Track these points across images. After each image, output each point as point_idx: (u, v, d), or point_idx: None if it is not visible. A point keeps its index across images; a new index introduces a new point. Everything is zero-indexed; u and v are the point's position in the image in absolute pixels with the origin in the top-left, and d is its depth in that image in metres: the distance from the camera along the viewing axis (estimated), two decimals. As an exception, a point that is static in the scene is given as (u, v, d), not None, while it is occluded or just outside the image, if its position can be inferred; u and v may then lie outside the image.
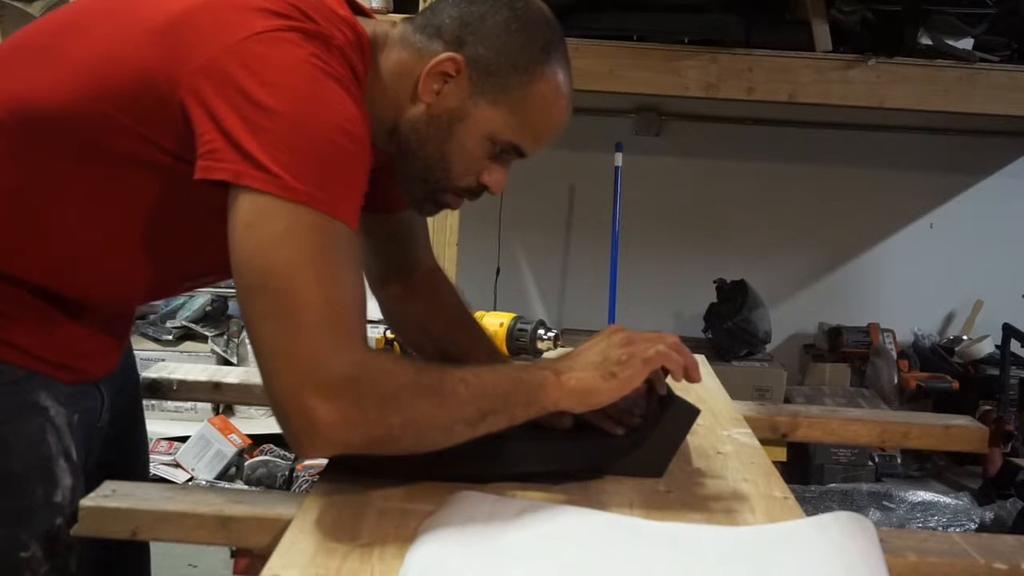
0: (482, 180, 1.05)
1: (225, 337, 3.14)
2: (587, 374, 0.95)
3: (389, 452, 0.89)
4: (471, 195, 1.07)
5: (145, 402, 1.34)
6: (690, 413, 1.04)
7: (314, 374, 0.82)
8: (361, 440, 0.85)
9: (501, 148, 1.03)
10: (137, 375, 1.28)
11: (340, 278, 0.85)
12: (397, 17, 2.28)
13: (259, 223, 0.83)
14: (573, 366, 0.96)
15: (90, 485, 0.99)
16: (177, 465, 2.75)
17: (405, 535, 0.84)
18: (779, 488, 1.02)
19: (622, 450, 1.03)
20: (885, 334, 3.38)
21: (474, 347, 1.26)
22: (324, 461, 1.03)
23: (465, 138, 1.01)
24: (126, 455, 1.22)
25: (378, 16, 1.09)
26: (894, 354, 3.29)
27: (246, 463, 2.71)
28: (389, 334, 1.58)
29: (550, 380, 0.94)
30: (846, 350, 3.37)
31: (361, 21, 1.00)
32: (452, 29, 1.00)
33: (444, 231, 2.64)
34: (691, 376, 1.00)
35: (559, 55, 1.02)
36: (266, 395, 0.85)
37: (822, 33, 2.70)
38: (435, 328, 1.28)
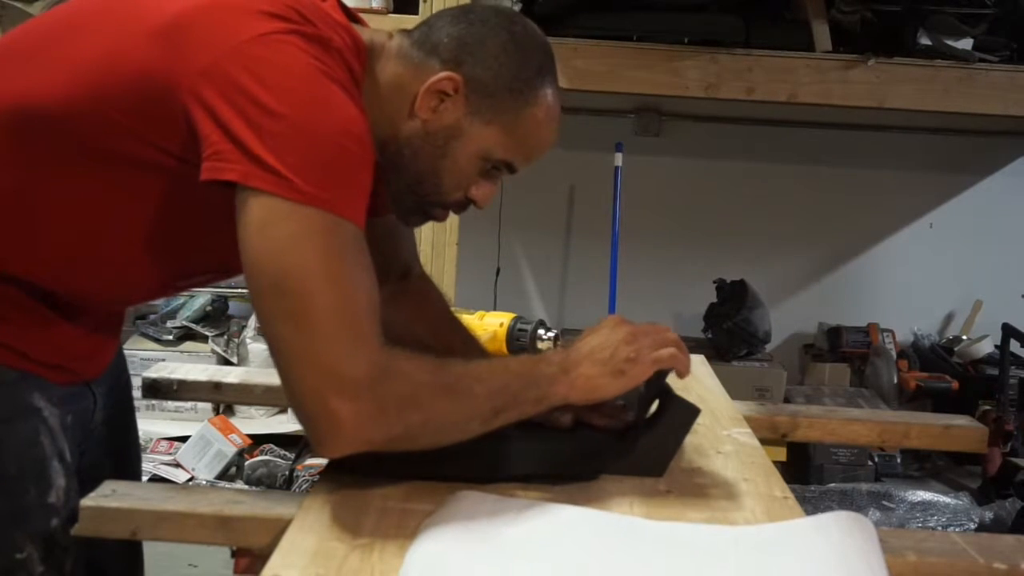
0: (470, 195, 1.07)
1: (225, 337, 3.14)
2: (595, 371, 0.97)
3: (407, 449, 0.90)
4: (458, 209, 1.09)
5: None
6: (691, 413, 1.04)
7: (334, 375, 0.83)
8: (382, 438, 0.87)
9: (492, 165, 1.05)
10: (128, 375, 1.28)
11: (353, 279, 0.87)
12: (395, 19, 2.28)
13: (271, 226, 0.84)
14: (581, 361, 0.97)
15: (83, 485, 0.99)
16: (177, 465, 2.75)
17: (405, 535, 0.84)
18: (779, 488, 1.02)
19: (623, 450, 1.03)
20: (885, 334, 3.38)
21: (464, 350, 1.26)
22: (324, 461, 1.03)
23: (459, 155, 1.02)
24: (118, 455, 1.22)
25: (377, 16, 1.09)
26: (894, 354, 3.28)
27: (246, 463, 2.71)
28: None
29: (559, 377, 0.96)
30: (846, 350, 3.37)
31: (356, 28, 1.01)
32: (450, 48, 1.01)
33: (444, 231, 2.64)
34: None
35: (551, 78, 1.05)
36: (286, 395, 0.86)
37: (822, 33, 2.70)
38: (422, 332, 1.28)
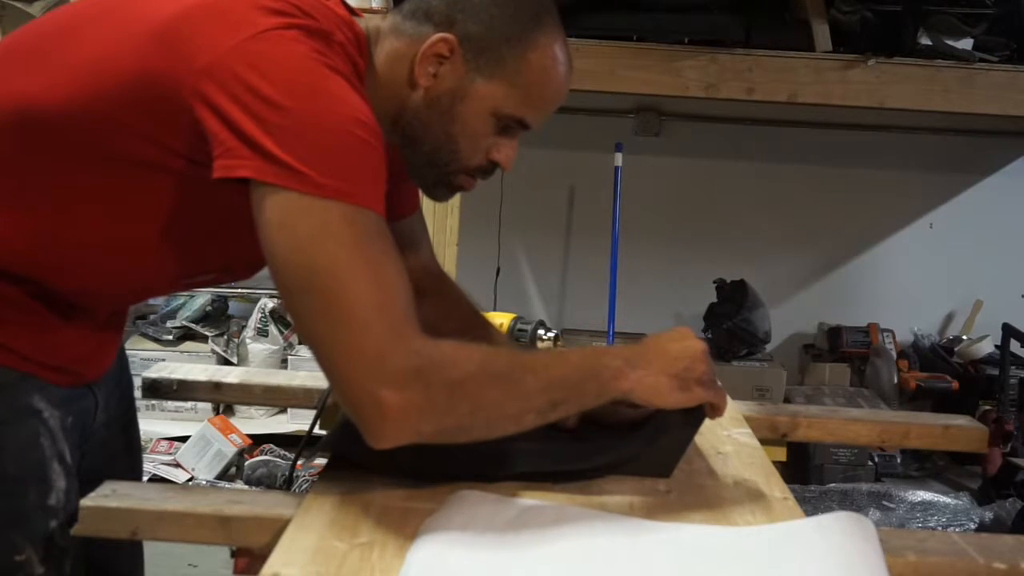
0: (492, 157, 1.04)
1: (225, 337, 3.14)
2: (665, 379, 0.94)
3: (460, 440, 0.88)
4: (483, 174, 1.07)
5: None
6: (698, 414, 1.04)
7: (379, 367, 0.82)
8: (432, 428, 0.86)
9: (505, 123, 1.02)
10: (130, 376, 1.27)
11: (383, 266, 0.85)
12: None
13: (292, 222, 0.83)
14: (652, 361, 0.94)
15: (83, 487, 0.99)
16: (177, 465, 2.75)
17: (405, 534, 0.84)
18: (779, 488, 1.02)
19: (631, 450, 1.03)
20: (885, 334, 3.38)
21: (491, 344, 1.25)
22: (324, 460, 1.03)
23: (468, 117, 1.00)
24: (119, 456, 1.22)
25: (378, 16, 1.09)
26: (894, 354, 3.29)
27: (246, 463, 2.71)
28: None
29: (625, 371, 0.93)
30: (846, 350, 3.37)
31: (356, 21, 1.01)
32: (441, 10, 0.99)
33: (444, 231, 2.64)
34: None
35: (551, 22, 1.02)
36: (333, 390, 0.86)
37: (822, 33, 2.70)
38: (448, 330, 1.27)
